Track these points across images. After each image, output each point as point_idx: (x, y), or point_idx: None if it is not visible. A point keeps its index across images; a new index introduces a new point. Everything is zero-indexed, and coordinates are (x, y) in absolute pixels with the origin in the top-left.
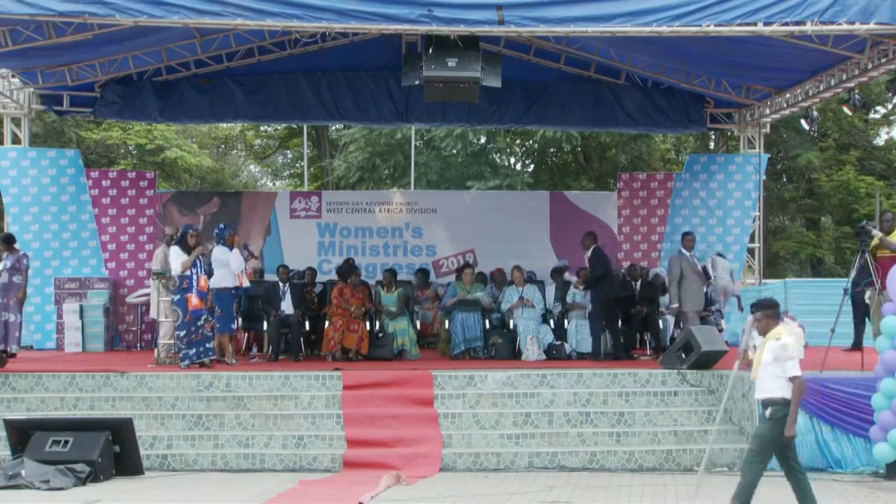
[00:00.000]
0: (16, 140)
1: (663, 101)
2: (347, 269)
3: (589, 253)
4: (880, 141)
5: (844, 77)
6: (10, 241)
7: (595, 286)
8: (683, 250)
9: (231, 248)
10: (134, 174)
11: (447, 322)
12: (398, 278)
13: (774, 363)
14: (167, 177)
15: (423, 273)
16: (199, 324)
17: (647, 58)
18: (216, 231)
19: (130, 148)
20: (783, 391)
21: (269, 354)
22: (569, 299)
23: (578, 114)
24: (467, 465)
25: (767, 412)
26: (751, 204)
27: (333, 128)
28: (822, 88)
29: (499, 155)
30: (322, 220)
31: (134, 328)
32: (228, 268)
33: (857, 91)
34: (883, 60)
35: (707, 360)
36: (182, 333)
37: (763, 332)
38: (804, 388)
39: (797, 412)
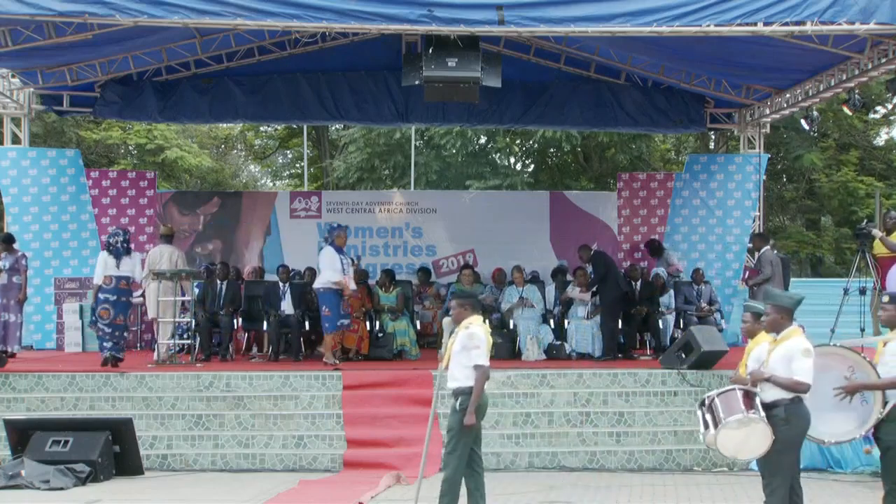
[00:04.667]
0: (16, 140)
1: (663, 101)
2: None
3: (589, 261)
4: (880, 141)
5: (844, 77)
6: (9, 241)
7: (600, 288)
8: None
9: (339, 249)
10: (134, 174)
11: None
12: (397, 278)
13: (462, 352)
14: (167, 177)
15: (424, 272)
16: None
17: (647, 58)
18: (327, 229)
19: (130, 148)
20: (471, 380)
21: (269, 354)
22: (565, 294)
23: (578, 114)
24: None
25: (457, 403)
26: (751, 204)
27: (333, 128)
28: (822, 88)
29: (499, 155)
30: (322, 220)
31: (134, 328)
32: (336, 268)
33: (857, 91)
34: (883, 60)
35: (707, 360)
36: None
37: (457, 322)
38: (487, 377)
39: (478, 401)
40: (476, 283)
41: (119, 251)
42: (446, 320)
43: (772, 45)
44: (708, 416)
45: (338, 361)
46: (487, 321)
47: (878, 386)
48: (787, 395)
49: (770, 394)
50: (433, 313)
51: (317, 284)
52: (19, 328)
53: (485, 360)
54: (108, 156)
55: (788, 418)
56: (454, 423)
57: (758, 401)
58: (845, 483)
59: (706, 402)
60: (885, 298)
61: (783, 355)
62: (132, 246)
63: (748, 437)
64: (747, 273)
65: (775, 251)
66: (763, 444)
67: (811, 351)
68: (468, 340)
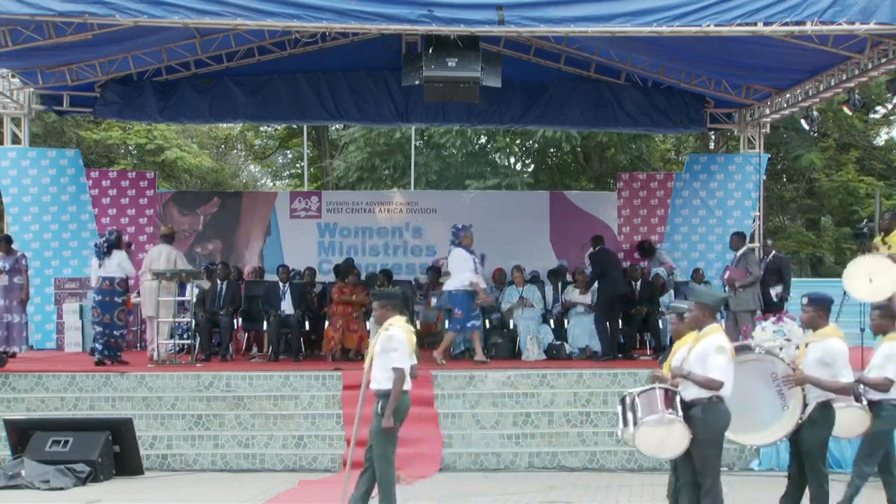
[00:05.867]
0: (16, 140)
1: (663, 101)
2: (345, 268)
3: (590, 253)
4: (880, 141)
5: (844, 77)
6: (7, 242)
7: (598, 286)
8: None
9: (469, 249)
10: (134, 174)
11: (447, 322)
12: (396, 278)
13: (382, 354)
14: (167, 177)
15: (434, 271)
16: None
17: (647, 58)
18: (452, 231)
19: (130, 148)
20: (390, 382)
21: (268, 354)
22: (565, 297)
23: (578, 114)
24: (467, 465)
25: (378, 405)
26: (751, 204)
27: (333, 128)
28: (822, 88)
29: (498, 154)
30: (322, 220)
31: (134, 328)
32: (470, 268)
33: (857, 91)
34: (883, 60)
35: None
36: (125, 332)
37: (379, 323)
38: (404, 380)
39: (395, 404)
40: None
41: (100, 253)
42: (371, 321)
43: (772, 45)
44: (629, 415)
45: (444, 362)
46: (488, 320)
47: (823, 384)
48: (705, 395)
49: (690, 392)
50: (437, 314)
51: (449, 286)
52: (24, 328)
53: (403, 363)
54: (108, 156)
55: (706, 418)
56: (376, 427)
57: (678, 400)
58: (845, 483)
59: (626, 399)
60: (805, 300)
61: (700, 353)
62: (128, 243)
63: (666, 437)
64: (727, 273)
65: (774, 251)
66: (682, 444)
67: (725, 348)
68: (387, 343)
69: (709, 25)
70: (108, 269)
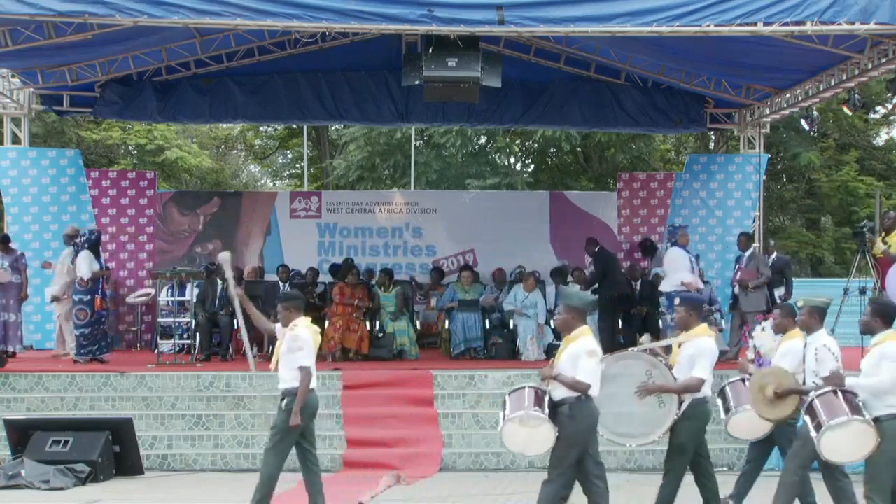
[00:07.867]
0: (16, 140)
1: (663, 101)
2: (344, 269)
3: (591, 257)
4: (880, 141)
5: (844, 77)
6: (5, 241)
7: (598, 287)
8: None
9: (684, 248)
10: (134, 174)
11: (447, 322)
12: (397, 278)
13: (288, 353)
14: (167, 177)
15: (437, 272)
16: (102, 321)
17: (647, 58)
18: (668, 230)
19: (130, 148)
20: (297, 381)
21: (269, 354)
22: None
23: (578, 114)
24: (467, 465)
25: (283, 403)
26: (751, 204)
27: (333, 128)
28: (822, 88)
29: (498, 154)
30: (322, 220)
31: (134, 328)
32: (686, 267)
33: (857, 91)
34: (883, 60)
35: None
36: (87, 331)
37: (284, 324)
38: (311, 378)
39: (302, 402)
40: (476, 283)
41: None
42: (277, 325)
43: (772, 45)
44: (500, 413)
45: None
46: (488, 320)
47: (674, 389)
48: (573, 394)
49: (558, 392)
50: (438, 313)
51: (665, 287)
52: (19, 327)
53: (308, 361)
54: (108, 156)
55: (573, 415)
56: (279, 423)
57: (546, 399)
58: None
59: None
60: (677, 301)
61: (571, 355)
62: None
63: (532, 434)
64: (738, 273)
65: (776, 252)
66: (547, 442)
67: (596, 352)
68: (293, 342)
69: (709, 25)
70: None
